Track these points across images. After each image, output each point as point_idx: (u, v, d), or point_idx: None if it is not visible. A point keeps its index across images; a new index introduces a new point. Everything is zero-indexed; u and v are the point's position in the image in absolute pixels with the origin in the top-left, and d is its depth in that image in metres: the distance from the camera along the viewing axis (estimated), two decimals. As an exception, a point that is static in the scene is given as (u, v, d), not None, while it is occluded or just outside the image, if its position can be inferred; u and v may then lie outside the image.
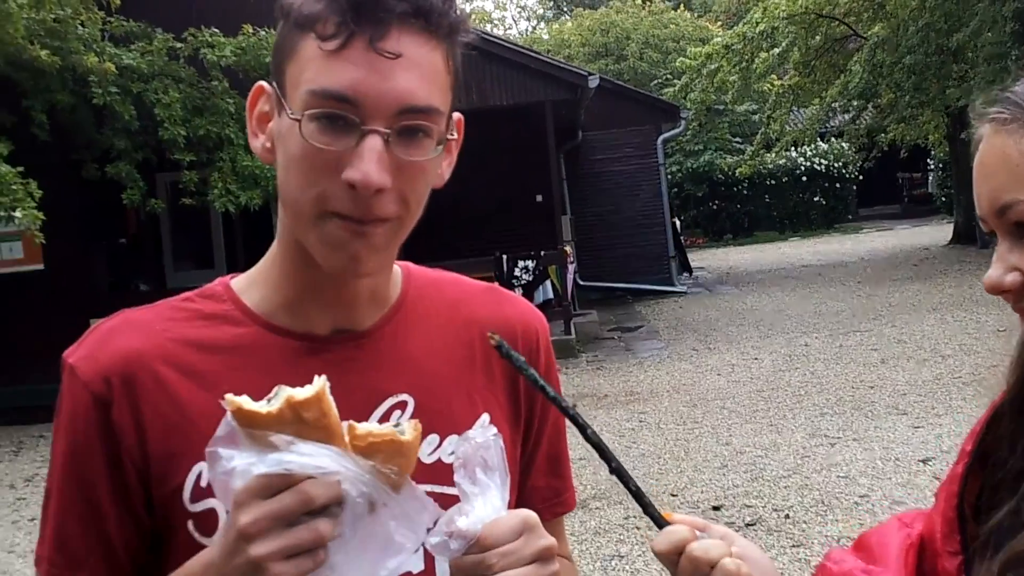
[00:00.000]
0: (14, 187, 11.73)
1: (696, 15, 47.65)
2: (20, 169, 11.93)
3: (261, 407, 1.15)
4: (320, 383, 1.16)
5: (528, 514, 1.25)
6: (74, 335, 1.46)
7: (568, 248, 18.03)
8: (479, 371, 1.53)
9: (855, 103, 28.77)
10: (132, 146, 13.60)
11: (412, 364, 1.48)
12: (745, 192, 38.31)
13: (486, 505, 1.23)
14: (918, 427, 9.90)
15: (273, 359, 1.42)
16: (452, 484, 1.26)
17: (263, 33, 13.94)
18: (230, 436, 1.16)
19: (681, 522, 1.28)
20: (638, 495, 1.30)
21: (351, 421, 1.19)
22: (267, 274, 1.48)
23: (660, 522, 1.29)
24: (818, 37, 27.11)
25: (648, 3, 45.56)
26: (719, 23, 43.58)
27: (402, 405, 1.45)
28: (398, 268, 1.54)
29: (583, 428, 1.30)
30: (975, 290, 18.86)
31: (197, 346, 1.42)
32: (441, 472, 1.39)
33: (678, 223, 29.41)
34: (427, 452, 1.43)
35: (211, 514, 1.35)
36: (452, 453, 1.37)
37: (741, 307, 20.65)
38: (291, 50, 1.34)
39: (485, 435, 1.26)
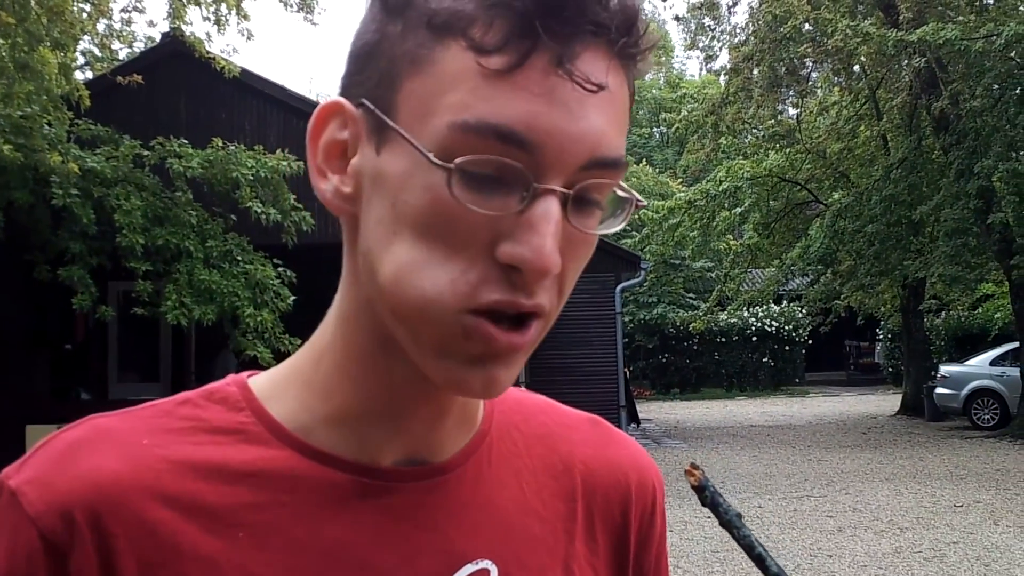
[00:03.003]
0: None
1: (657, 171, 48.31)
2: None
3: None
4: None
5: None
6: (8, 440, 1.02)
7: (521, 390, 17.73)
8: (580, 535, 1.07)
9: (814, 267, 29.12)
10: (87, 251, 13.20)
11: (498, 517, 1.02)
12: (695, 347, 38.53)
13: None
14: (881, 602, 9.57)
15: (311, 500, 0.94)
16: None
17: (232, 148, 13.79)
18: None
19: None
20: None
21: None
22: (307, 375, 0.99)
23: None
24: (779, 200, 27.56)
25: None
26: (680, 180, 44.21)
27: (483, 575, 0.99)
28: None
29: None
30: (927, 463, 18.76)
31: (201, 471, 0.93)
32: None
33: (627, 373, 29.33)
34: None
35: None
36: None
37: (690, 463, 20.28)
38: (417, 59, 0.85)
39: None
